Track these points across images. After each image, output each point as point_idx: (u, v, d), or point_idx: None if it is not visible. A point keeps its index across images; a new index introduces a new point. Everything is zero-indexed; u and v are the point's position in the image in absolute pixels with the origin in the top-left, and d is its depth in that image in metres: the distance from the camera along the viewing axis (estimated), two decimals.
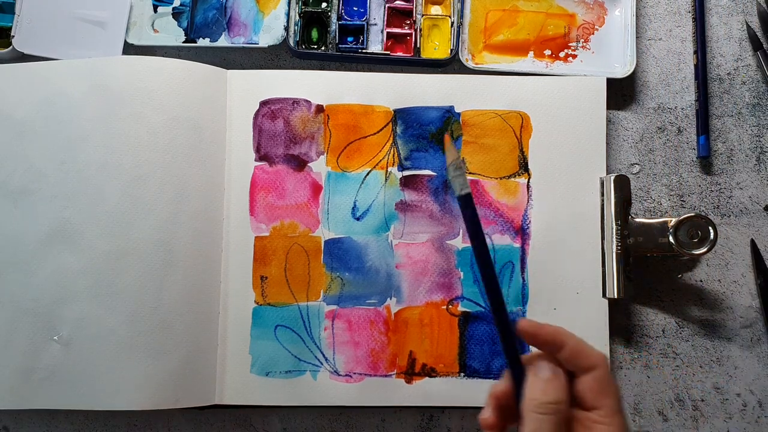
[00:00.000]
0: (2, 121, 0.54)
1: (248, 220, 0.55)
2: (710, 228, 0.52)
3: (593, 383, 0.35)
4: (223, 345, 0.53)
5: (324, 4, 0.59)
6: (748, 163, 0.57)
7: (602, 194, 0.54)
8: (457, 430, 0.54)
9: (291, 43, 0.57)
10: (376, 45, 0.58)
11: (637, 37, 0.58)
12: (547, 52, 0.58)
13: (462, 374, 0.53)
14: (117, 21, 0.57)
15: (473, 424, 0.54)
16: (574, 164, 0.55)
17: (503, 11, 0.59)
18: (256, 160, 0.55)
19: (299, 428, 0.54)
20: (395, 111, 0.56)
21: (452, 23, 0.58)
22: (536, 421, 0.34)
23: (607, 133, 0.56)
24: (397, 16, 0.59)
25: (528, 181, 0.55)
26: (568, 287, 0.54)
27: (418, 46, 0.58)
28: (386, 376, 0.53)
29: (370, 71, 0.57)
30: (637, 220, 0.53)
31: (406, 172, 0.55)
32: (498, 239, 0.54)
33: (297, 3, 0.58)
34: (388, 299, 0.54)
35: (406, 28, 0.59)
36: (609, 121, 0.57)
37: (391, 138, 0.56)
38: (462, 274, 0.54)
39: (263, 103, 0.56)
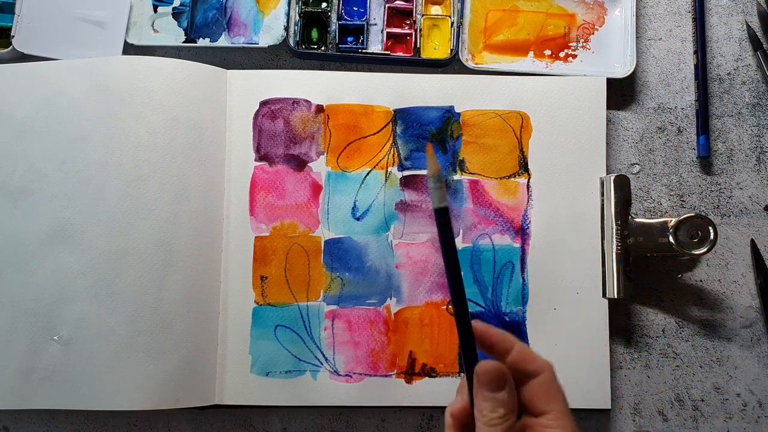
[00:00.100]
0: (2, 121, 0.54)
1: (248, 220, 0.55)
2: (710, 228, 0.52)
3: (540, 388, 0.35)
4: (223, 345, 0.53)
5: (324, 4, 0.59)
6: (748, 163, 0.57)
7: (602, 194, 0.54)
8: None
9: (291, 43, 0.57)
10: (376, 45, 0.58)
11: (637, 37, 0.58)
12: (547, 52, 0.58)
13: (462, 374, 0.53)
14: (117, 21, 0.57)
15: None
16: (574, 164, 0.55)
17: (503, 11, 0.59)
18: (256, 160, 0.55)
19: (299, 428, 0.54)
20: (395, 111, 0.56)
21: (452, 23, 0.58)
22: None
23: (607, 133, 0.56)
24: (397, 16, 0.59)
25: (528, 181, 0.55)
26: (568, 287, 0.54)
27: (418, 46, 0.58)
28: (386, 376, 0.53)
29: (370, 71, 0.57)
30: (637, 220, 0.53)
31: (406, 172, 0.55)
32: (498, 239, 0.54)
33: (297, 3, 0.58)
34: (388, 299, 0.54)
35: (406, 28, 0.59)
36: (609, 121, 0.57)
37: (391, 138, 0.56)
38: (461, 274, 0.54)
39: (263, 103, 0.56)
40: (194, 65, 0.54)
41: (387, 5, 0.58)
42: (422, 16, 0.58)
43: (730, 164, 0.57)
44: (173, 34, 0.58)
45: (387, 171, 0.55)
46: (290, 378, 0.53)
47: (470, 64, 0.57)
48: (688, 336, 0.55)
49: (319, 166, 0.55)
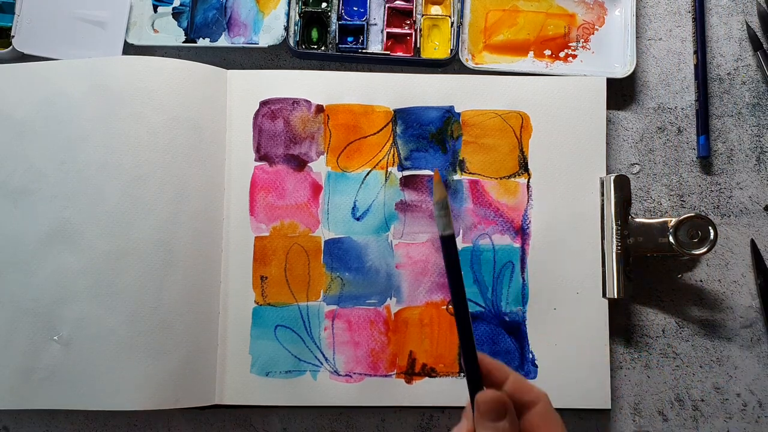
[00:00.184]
0: (2, 121, 0.54)
1: (248, 220, 0.55)
2: (710, 228, 0.52)
3: (539, 418, 0.36)
4: (223, 345, 0.53)
5: (324, 4, 0.59)
6: (748, 163, 0.57)
7: (602, 194, 0.54)
8: None
9: (291, 43, 0.57)
10: (376, 45, 0.58)
11: (637, 37, 0.58)
12: (547, 52, 0.58)
13: (462, 374, 0.53)
14: (117, 21, 0.57)
15: None
16: (574, 164, 0.55)
17: (503, 11, 0.59)
18: (256, 160, 0.55)
19: (299, 428, 0.54)
20: (395, 111, 0.56)
21: (452, 23, 0.58)
22: None
23: (607, 133, 0.56)
24: (397, 16, 0.59)
25: (528, 181, 0.55)
26: (568, 287, 0.54)
27: (418, 46, 0.58)
28: (386, 376, 0.53)
29: (370, 71, 0.57)
30: (637, 220, 0.53)
31: (406, 172, 0.55)
32: (498, 239, 0.54)
33: (297, 3, 0.58)
34: (388, 299, 0.54)
35: (406, 28, 0.59)
36: (609, 121, 0.57)
37: (391, 138, 0.56)
38: (462, 274, 0.54)
39: (263, 103, 0.56)
40: (194, 65, 0.54)
41: (387, 5, 0.58)
42: (422, 16, 0.58)
43: (730, 164, 0.57)
44: (173, 34, 0.58)
45: (387, 171, 0.55)
46: (290, 378, 0.53)
47: (470, 64, 0.57)
48: (688, 336, 0.55)
49: (319, 166, 0.55)
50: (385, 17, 0.58)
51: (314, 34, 0.59)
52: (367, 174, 0.55)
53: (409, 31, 0.58)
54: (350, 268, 0.54)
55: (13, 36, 0.56)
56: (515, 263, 0.54)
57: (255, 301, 0.54)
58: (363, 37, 0.58)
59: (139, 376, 0.50)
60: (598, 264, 0.54)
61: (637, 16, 0.58)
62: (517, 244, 0.54)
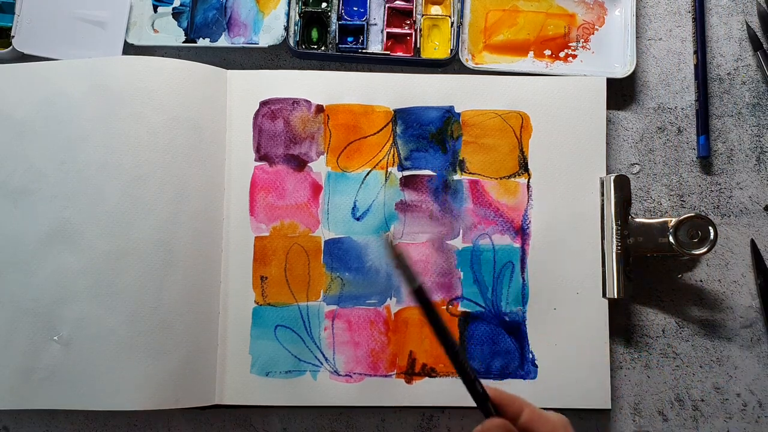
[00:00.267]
0: (2, 121, 0.54)
1: (248, 220, 0.55)
2: (710, 228, 0.52)
3: None
4: (223, 345, 0.53)
5: (324, 4, 0.59)
6: (748, 163, 0.57)
7: (602, 194, 0.54)
8: (457, 430, 0.54)
9: (291, 43, 0.57)
10: (376, 45, 0.58)
11: (637, 37, 0.58)
12: (547, 52, 0.58)
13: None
14: (117, 21, 0.57)
15: (473, 424, 0.54)
16: (574, 164, 0.55)
17: (503, 11, 0.59)
18: (256, 160, 0.55)
19: (299, 428, 0.54)
20: (395, 111, 0.56)
21: (452, 23, 0.58)
22: None
23: (607, 133, 0.56)
24: (397, 16, 0.59)
25: (528, 181, 0.55)
26: (568, 287, 0.54)
27: (418, 46, 0.58)
28: (386, 376, 0.53)
29: (370, 71, 0.57)
30: (637, 220, 0.53)
31: (406, 172, 0.55)
32: (498, 239, 0.54)
33: (297, 3, 0.58)
34: (388, 299, 0.54)
35: (406, 28, 0.59)
36: (609, 121, 0.57)
37: (391, 138, 0.56)
38: (462, 274, 0.54)
39: (263, 103, 0.56)
40: (194, 65, 0.54)
41: (387, 5, 0.58)
42: (422, 16, 0.58)
43: (730, 164, 0.57)
44: (173, 34, 0.58)
45: (387, 171, 0.55)
46: (290, 378, 0.53)
47: (470, 64, 0.57)
48: (688, 336, 0.55)
49: (319, 166, 0.55)
50: (385, 17, 0.58)
51: (314, 34, 0.59)
52: (367, 174, 0.55)
53: (409, 31, 0.58)
54: (350, 268, 0.54)
55: (13, 36, 0.56)
56: (515, 263, 0.54)
57: (255, 301, 0.54)
58: (363, 37, 0.58)
59: (139, 376, 0.50)
60: (598, 264, 0.54)
61: (637, 16, 0.58)
62: (517, 244, 0.54)
